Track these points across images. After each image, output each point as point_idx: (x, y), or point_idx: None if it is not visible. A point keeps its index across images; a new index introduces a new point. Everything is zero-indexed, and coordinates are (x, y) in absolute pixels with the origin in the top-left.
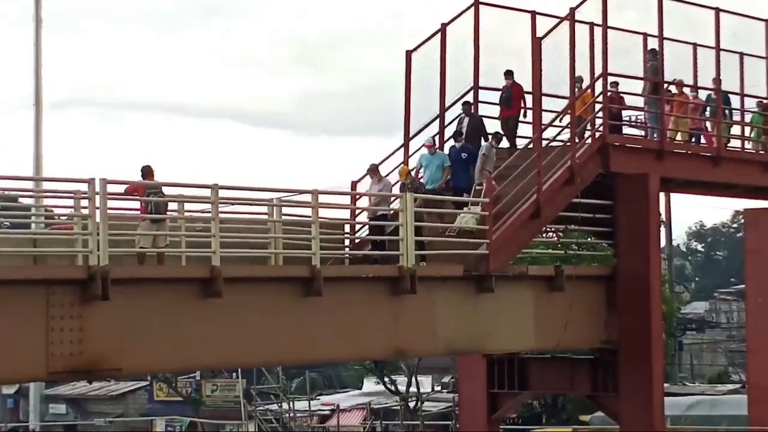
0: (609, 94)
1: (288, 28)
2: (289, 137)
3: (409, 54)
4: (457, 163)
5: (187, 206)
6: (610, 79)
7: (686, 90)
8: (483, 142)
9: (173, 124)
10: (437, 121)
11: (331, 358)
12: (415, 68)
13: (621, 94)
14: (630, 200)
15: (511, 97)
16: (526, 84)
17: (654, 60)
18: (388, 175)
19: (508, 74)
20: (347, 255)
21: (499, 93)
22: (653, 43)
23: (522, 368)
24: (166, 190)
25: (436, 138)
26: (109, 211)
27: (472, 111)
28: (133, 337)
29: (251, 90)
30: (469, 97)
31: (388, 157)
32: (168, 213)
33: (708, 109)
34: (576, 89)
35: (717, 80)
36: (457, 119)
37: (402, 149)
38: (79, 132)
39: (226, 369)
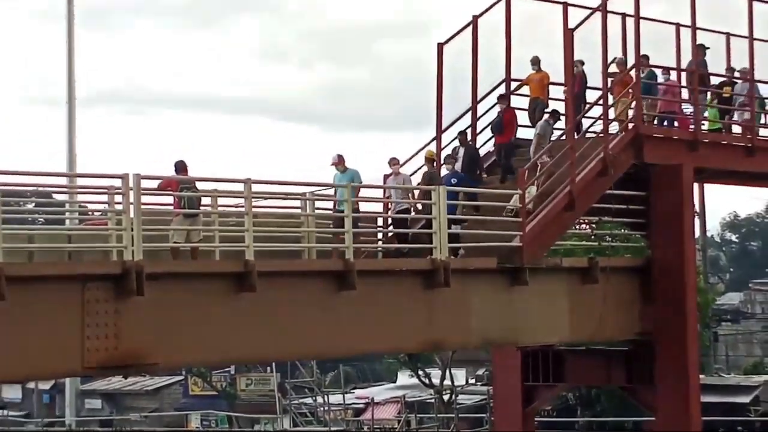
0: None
1: (316, 20)
2: (317, 133)
3: (440, 46)
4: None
5: (221, 201)
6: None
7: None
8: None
9: (201, 119)
10: (469, 113)
11: (365, 352)
12: (447, 61)
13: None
14: (664, 191)
15: (503, 122)
16: (558, 75)
17: (704, 55)
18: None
19: (502, 99)
20: (380, 248)
21: (493, 119)
22: (686, 34)
23: (557, 360)
24: (199, 185)
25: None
26: (143, 207)
27: (468, 140)
28: (168, 332)
29: (279, 84)
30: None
31: (418, 152)
32: (201, 208)
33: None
34: (534, 70)
35: (750, 70)
36: (453, 149)
37: (434, 143)
38: (109, 128)
39: (260, 363)
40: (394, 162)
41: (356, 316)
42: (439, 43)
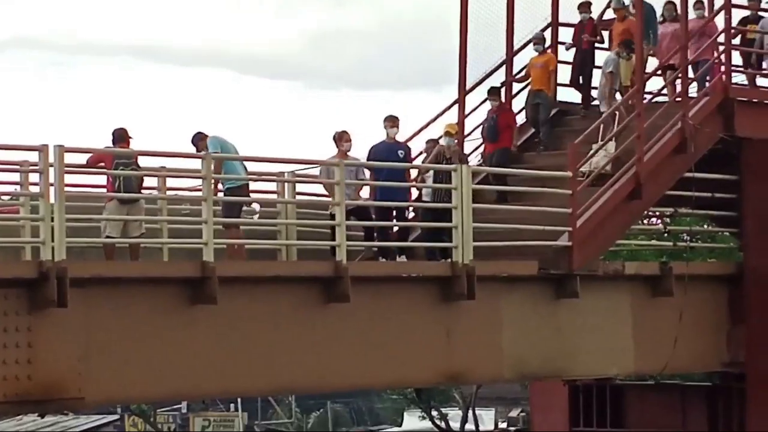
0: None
1: None
2: (300, 91)
3: None
4: (387, 162)
5: (171, 182)
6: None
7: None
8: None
9: (148, 72)
10: (503, 69)
11: (361, 385)
12: None
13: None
14: (762, 174)
15: (497, 127)
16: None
17: None
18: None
19: (494, 93)
20: (384, 247)
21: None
22: None
23: (616, 399)
24: (143, 161)
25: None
26: (66, 190)
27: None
28: (99, 356)
29: (252, 31)
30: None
31: (435, 119)
32: (143, 191)
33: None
34: (537, 51)
35: None
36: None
37: (456, 107)
38: (20, 82)
39: (221, 398)
40: (344, 138)
41: (350, 338)
42: None
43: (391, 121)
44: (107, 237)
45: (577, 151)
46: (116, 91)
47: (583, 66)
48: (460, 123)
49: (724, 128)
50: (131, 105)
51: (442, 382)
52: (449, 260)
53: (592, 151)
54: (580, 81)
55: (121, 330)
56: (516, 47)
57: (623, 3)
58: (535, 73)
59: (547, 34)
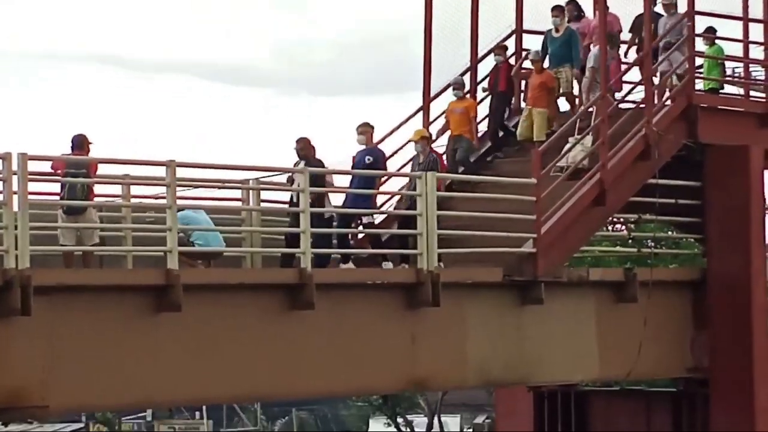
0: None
1: None
2: (269, 98)
3: None
4: (358, 169)
5: (137, 190)
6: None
7: None
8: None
9: (118, 79)
10: (467, 75)
11: (326, 392)
12: (438, 7)
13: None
14: (725, 181)
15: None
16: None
17: None
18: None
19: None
20: (349, 254)
21: None
22: None
23: (581, 405)
24: (108, 168)
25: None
26: (31, 198)
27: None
28: (63, 364)
29: (223, 41)
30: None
31: (399, 126)
32: (101, 199)
33: None
34: (456, 96)
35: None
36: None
37: (420, 114)
38: None
39: (186, 406)
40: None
41: (315, 345)
42: None
43: (360, 128)
44: (61, 245)
45: (542, 158)
46: (82, 98)
47: (498, 110)
48: (425, 127)
49: (688, 135)
50: (97, 112)
51: (407, 389)
52: (414, 267)
53: (569, 146)
54: (499, 131)
55: (85, 338)
56: (480, 54)
57: (539, 55)
58: (453, 118)
59: (510, 42)
